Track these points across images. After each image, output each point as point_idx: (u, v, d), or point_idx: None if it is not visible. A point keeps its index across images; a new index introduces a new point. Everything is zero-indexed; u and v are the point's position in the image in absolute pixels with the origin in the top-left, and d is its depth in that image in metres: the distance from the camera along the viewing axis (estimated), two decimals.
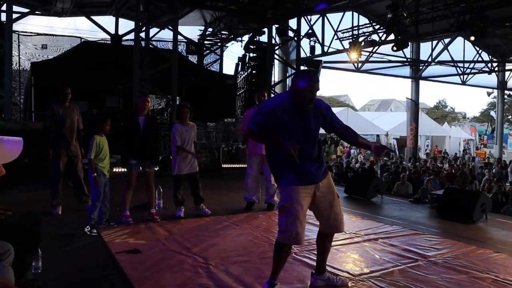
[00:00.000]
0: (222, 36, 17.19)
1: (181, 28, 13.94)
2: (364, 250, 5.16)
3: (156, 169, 7.59)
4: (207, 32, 17.21)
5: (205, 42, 17.22)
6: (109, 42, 16.00)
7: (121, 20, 16.46)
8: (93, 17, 16.25)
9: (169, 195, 7.19)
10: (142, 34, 12.56)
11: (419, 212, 7.81)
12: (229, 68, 61.88)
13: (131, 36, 13.61)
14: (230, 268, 4.40)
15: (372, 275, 4.32)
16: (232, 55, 65.56)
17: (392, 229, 6.29)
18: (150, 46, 12.68)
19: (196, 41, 16.80)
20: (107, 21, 20.49)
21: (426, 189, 10.96)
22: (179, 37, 13.90)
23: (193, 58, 16.31)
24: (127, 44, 15.22)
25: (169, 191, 7.15)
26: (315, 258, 4.57)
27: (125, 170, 6.31)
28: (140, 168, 6.26)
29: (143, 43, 12.50)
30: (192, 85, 13.52)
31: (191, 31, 17.14)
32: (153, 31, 13.21)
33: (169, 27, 13.54)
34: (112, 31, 16.17)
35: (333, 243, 4.88)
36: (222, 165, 12.41)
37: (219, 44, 17.64)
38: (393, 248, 5.26)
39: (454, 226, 6.72)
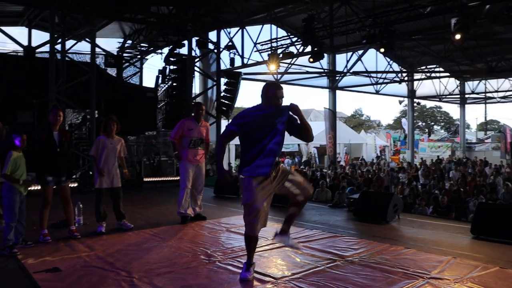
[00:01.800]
0: (142, 48, 17.01)
1: (99, 41, 13.69)
2: (285, 255, 5.34)
3: (74, 184, 7.36)
4: (126, 45, 16.95)
5: (124, 54, 16.93)
6: (22, 54, 15.27)
7: (35, 31, 15.79)
8: (3, 28, 15.44)
9: (90, 211, 7.05)
10: (58, 46, 12.12)
11: (338, 216, 8.17)
12: (149, 80, 60.87)
13: (46, 48, 13.06)
14: (154, 280, 4.40)
15: (293, 277, 4.50)
16: (152, 67, 64.76)
17: (312, 233, 6.56)
18: (67, 58, 12.26)
19: (115, 53, 16.48)
20: (18, 32, 19.60)
21: (342, 194, 11.50)
22: (97, 49, 13.61)
23: (112, 71, 15.96)
24: (42, 57, 14.60)
25: (89, 207, 7.00)
26: (239, 265, 4.74)
27: (40, 187, 6.07)
28: (55, 184, 6.07)
29: (58, 56, 12.07)
30: (111, 98, 13.26)
31: (109, 43, 16.74)
32: (69, 43, 12.80)
33: (86, 39, 13.24)
34: (25, 43, 15.46)
35: (257, 249, 5.11)
36: (144, 179, 12.26)
37: (139, 56, 17.41)
38: (313, 251, 5.50)
39: (370, 227, 7.12)
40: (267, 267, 4.87)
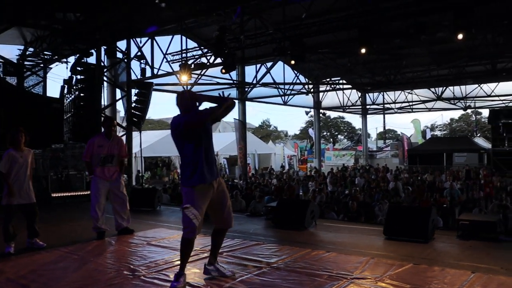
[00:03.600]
0: (45, 56, 16.07)
1: None
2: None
3: None
4: (28, 52, 15.92)
5: (26, 63, 15.88)
6: None
7: None
8: None
9: None
10: None
11: (257, 224, 8.28)
12: (53, 91, 57.79)
13: None
14: None
15: (224, 286, 4.48)
16: (56, 77, 61.60)
17: (234, 242, 6.58)
18: None
19: (15, 61, 15.43)
20: None
21: (258, 202, 11.68)
22: None
23: (12, 80, 14.90)
24: None
25: None
26: (165, 279, 4.64)
27: None
28: None
29: None
30: (13, 109, 12.40)
31: (8, 50, 15.57)
32: None
33: None
34: None
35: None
36: (52, 194, 11.58)
37: (42, 65, 16.42)
38: (237, 260, 5.52)
39: (289, 233, 7.30)
40: (194, 278, 4.80)
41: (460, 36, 9.76)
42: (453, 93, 28.08)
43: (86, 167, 7.36)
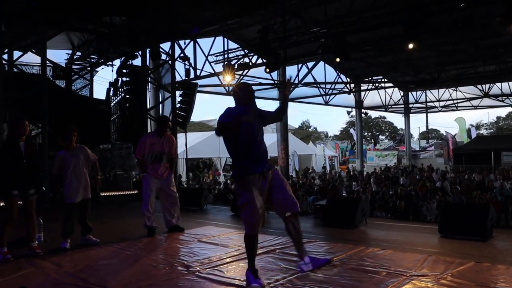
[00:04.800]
0: (92, 60, 16.50)
1: (46, 52, 13.10)
2: (266, 261, 5.27)
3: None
4: (75, 56, 16.39)
5: (74, 66, 16.35)
6: None
7: None
8: None
9: (48, 228, 6.72)
10: (5, 56, 11.52)
11: (306, 222, 8.17)
12: (98, 93, 59.39)
13: None
14: None
15: (278, 283, 4.43)
16: (102, 80, 63.14)
17: (286, 240, 6.48)
18: (14, 69, 11.71)
19: (64, 65, 15.90)
20: None
21: (304, 202, 11.63)
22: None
23: (61, 84, 15.37)
24: None
25: (46, 224, 6.72)
26: (220, 275, 4.70)
27: (4, 202, 5.70)
28: (21, 198, 5.73)
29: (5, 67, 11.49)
30: (62, 112, 12.77)
31: (57, 55, 16.07)
32: (16, 54, 12.22)
33: (33, 50, 12.73)
34: None
35: (234, 258, 5.32)
36: (101, 194, 11.83)
37: (89, 68, 16.87)
38: (292, 257, 5.42)
39: (340, 231, 7.19)
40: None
41: None
42: (501, 89, 27.08)
43: (138, 165, 7.47)
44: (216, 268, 5.03)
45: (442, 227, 6.66)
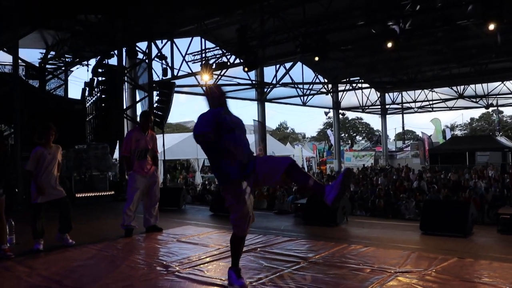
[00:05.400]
0: (67, 59, 16.13)
1: (19, 51, 12.75)
2: (248, 260, 5.14)
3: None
4: (49, 56, 15.98)
5: (47, 66, 15.95)
6: None
7: None
8: None
9: (19, 230, 6.45)
10: None
11: (286, 221, 8.14)
12: (74, 94, 58.34)
13: None
14: None
15: (261, 281, 4.32)
16: (77, 80, 61.91)
17: (267, 238, 6.42)
18: None
19: (37, 65, 15.50)
20: None
21: (283, 201, 11.59)
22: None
23: (34, 83, 14.99)
24: None
25: (18, 226, 6.42)
26: (200, 274, 4.64)
27: None
28: None
29: None
30: (36, 111, 12.43)
31: (30, 54, 15.62)
32: None
33: (4, 49, 12.39)
34: None
35: (215, 257, 5.30)
36: (76, 195, 11.55)
37: (63, 68, 16.48)
38: (273, 255, 5.36)
39: (321, 229, 7.12)
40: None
41: (491, 27, 9.47)
42: (475, 91, 27.58)
43: (125, 162, 7.26)
44: (196, 267, 4.90)
45: (424, 224, 6.66)
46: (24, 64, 14.36)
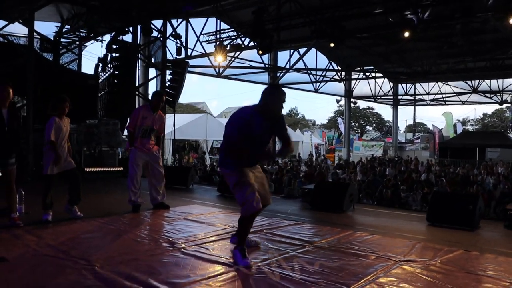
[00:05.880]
0: (81, 34, 16.10)
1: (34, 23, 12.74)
2: (252, 241, 5.16)
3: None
4: (64, 29, 15.96)
5: (62, 40, 15.93)
6: None
7: None
8: None
9: (29, 201, 6.52)
10: None
11: (293, 205, 8.18)
12: (87, 68, 58.20)
13: None
14: (118, 267, 4.06)
15: (265, 262, 4.35)
16: (90, 55, 61.99)
17: (273, 221, 6.45)
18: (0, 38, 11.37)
19: (52, 38, 15.50)
20: None
21: (291, 186, 11.59)
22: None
23: (48, 57, 14.98)
24: None
25: (28, 196, 6.52)
26: (206, 252, 4.64)
27: None
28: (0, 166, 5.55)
29: None
30: (49, 85, 12.47)
31: (45, 27, 15.58)
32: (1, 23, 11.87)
33: (20, 20, 12.37)
34: None
35: (220, 236, 5.33)
36: (85, 169, 11.63)
37: (78, 43, 16.47)
38: (279, 238, 5.40)
39: (328, 215, 7.14)
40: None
41: None
42: (490, 86, 27.23)
43: (128, 137, 7.30)
44: (201, 245, 4.94)
45: (430, 216, 6.65)
46: (39, 37, 14.33)
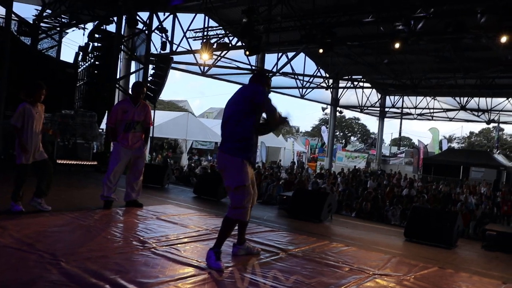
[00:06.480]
0: (63, 20, 15.54)
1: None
2: (226, 245, 4.81)
3: None
4: (45, 14, 15.37)
5: (42, 24, 15.34)
6: None
7: None
8: None
9: None
10: None
11: (270, 212, 8.03)
12: (66, 56, 56.98)
13: None
14: (86, 264, 3.79)
15: (238, 267, 4.16)
16: (71, 42, 60.85)
17: (248, 226, 6.07)
18: None
19: (31, 22, 14.92)
20: None
21: (271, 193, 11.28)
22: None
23: (26, 41, 14.41)
24: None
25: None
26: (177, 253, 4.45)
27: None
28: None
29: None
30: (26, 69, 11.97)
31: (24, 9, 14.98)
32: None
33: None
34: None
35: (193, 239, 5.13)
36: (57, 161, 11.11)
37: (58, 29, 15.89)
38: (253, 243, 5.14)
39: (304, 224, 7.02)
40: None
41: (503, 39, 9.14)
42: (478, 104, 27.28)
43: (110, 133, 6.98)
44: (173, 246, 4.71)
45: (408, 231, 6.53)
46: (17, 19, 13.78)
